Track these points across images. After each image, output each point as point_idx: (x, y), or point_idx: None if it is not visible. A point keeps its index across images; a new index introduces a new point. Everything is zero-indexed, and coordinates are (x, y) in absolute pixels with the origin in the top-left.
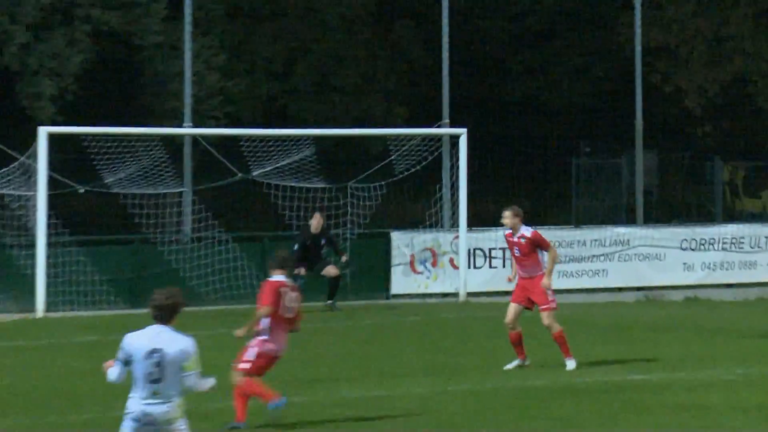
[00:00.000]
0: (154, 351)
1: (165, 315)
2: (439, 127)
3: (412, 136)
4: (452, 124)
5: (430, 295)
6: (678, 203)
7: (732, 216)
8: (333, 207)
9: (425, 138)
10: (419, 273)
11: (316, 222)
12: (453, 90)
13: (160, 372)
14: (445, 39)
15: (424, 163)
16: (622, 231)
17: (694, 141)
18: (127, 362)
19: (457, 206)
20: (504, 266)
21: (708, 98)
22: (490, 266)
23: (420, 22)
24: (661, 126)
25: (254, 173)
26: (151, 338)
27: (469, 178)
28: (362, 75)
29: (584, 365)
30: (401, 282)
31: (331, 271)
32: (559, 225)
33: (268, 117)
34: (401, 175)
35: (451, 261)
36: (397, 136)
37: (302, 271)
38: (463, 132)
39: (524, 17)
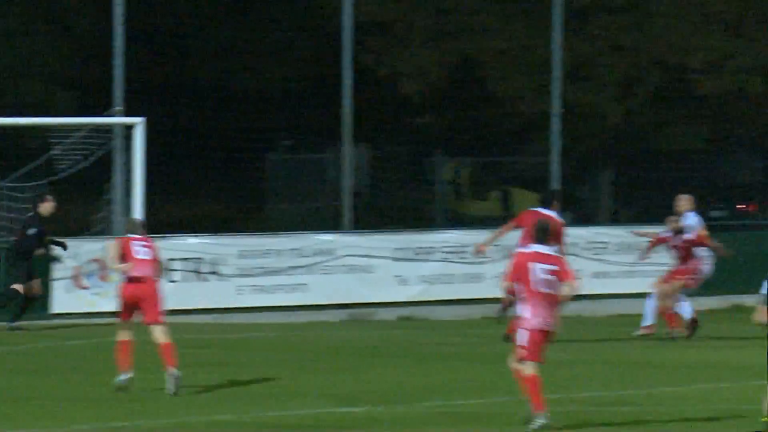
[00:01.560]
0: None
1: None
2: (109, 115)
3: (78, 127)
4: (127, 113)
5: (99, 315)
6: (392, 206)
7: (455, 221)
8: None
9: (95, 129)
10: (85, 288)
11: (49, 205)
12: (129, 72)
13: None
14: (119, 11)
15: (92, 158)
16: (325, 238)
17: (412, 133)
18: None
19: (131, 210)
20: (186, 280)
21: (429, 83)
22: (170, 280)
23: None
24: (374, 116)
25: None
26: None
27: (147, 176)
28: (17, 53)
29: (281, 396)
30: (64, 299)
31: (36, 288)
32: (253, 231)
33: None
34: (65, 174)
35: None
36: (60, 127)
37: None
38: (139, 122)
39: None
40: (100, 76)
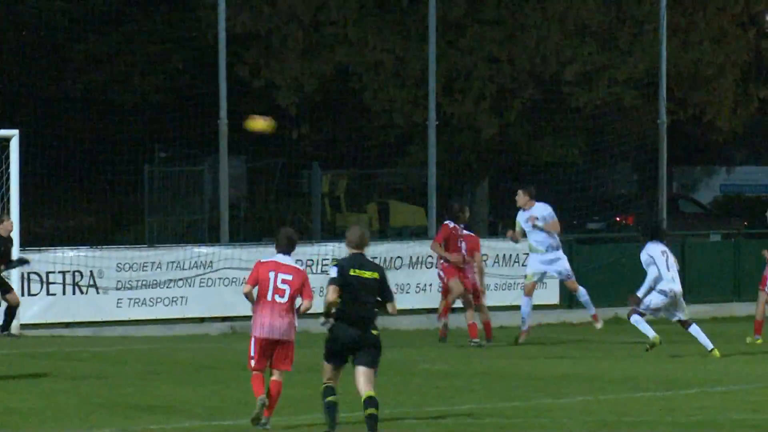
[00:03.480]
0: None
1: None
2: None
3: None
4: (1, 126)
5: None
6: (269, 218)
7: (333, 233)
8: None
9: None
10: None
11: (9, 224)
12: (3, 85)
13: None
14: None
15: None
16: (203, 251)
17: (288, 145)
18: None
19: None
20: (64, 293)
21: (305, 95)
22: (48, 293)
23: None
24: None
25: None
26: None
27: (23, 189)
28: None
29: (160, 409)
30: None
31: (14, 299)
32: (132, 244)
33: None
34: None
35: None
36: None
37: None
38: (14, 134)
39: None
40: None
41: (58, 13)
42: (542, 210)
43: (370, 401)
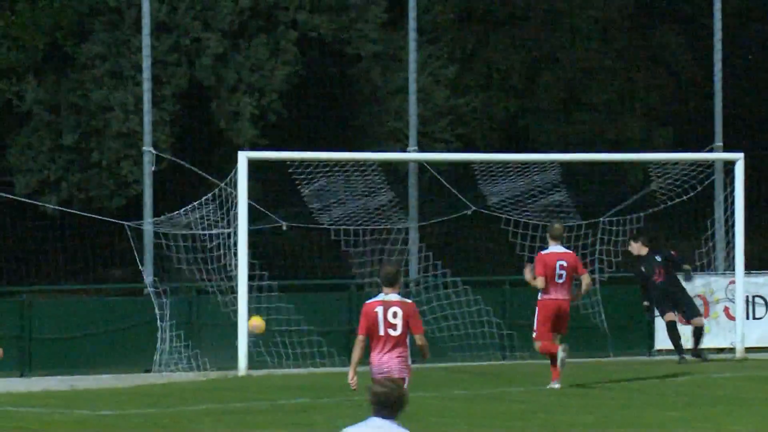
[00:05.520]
0: None
1: (390, 410)
2: (710, 151)
3: (677, 163)
4: (726, 148)
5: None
6: None
7: None
8: (581, 246)
9: (693, 165)
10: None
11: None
12: (727, 107)
13: None
14: (718, 47)
15: (692, 193)
16: None
17: None
18: None
19: (733, 245)
20: None
21: None
22: None
23: (687, 26)
24: None
25: (490, 205)
26: None
27: (747, 212)
28: (617, 90)
29: None
30: (666, 335)
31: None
32: None
33: (506, 140)
34: (662, 207)
35: (726, 310)
36: (659, 162)
37: None
38: (739, 157)
39: None
40: (698, 112)
41: None
42: None
43: None
